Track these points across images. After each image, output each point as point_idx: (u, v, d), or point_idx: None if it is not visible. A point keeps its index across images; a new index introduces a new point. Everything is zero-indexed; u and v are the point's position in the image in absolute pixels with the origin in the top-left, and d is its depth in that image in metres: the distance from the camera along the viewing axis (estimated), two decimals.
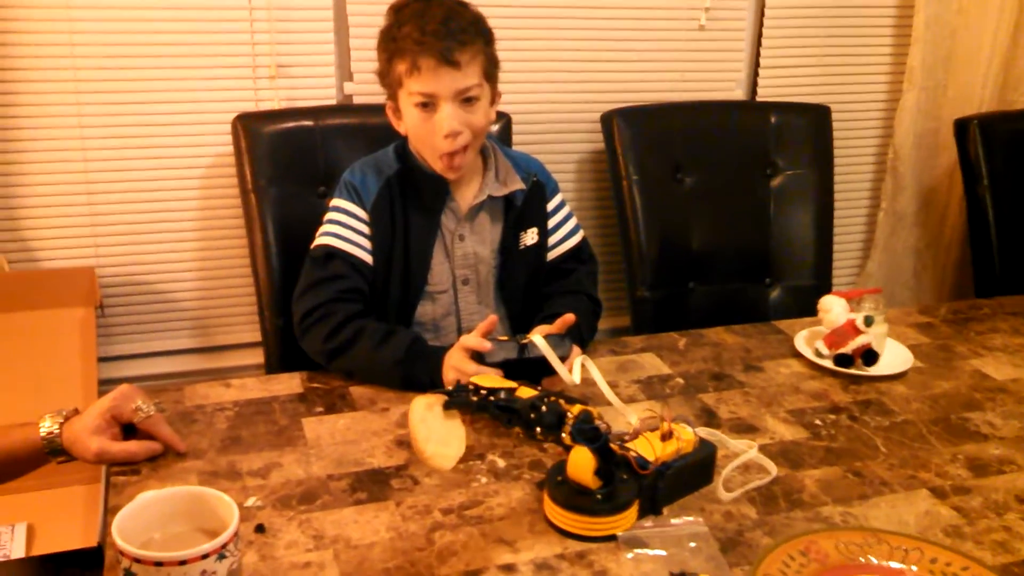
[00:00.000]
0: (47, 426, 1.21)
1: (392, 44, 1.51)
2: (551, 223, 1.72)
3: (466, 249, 1.64)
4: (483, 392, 1.18)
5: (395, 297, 1.62)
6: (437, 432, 1.13)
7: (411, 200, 1.61)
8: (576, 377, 1.27)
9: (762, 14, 2.44)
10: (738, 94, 2.51)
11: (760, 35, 2.46)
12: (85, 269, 2.05)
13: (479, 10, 1.57)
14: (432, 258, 1.63)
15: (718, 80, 2.47)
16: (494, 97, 1.60)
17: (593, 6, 2.28)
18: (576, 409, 1.14)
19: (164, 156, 2.08)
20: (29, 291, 1.99)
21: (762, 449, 1.34)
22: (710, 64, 2.44)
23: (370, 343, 1.48)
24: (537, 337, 1.32)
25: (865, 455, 1.35)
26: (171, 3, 1.99)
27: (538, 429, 1.14)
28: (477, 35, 1.51)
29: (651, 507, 1.18)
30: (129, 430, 1.26)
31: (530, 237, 1.69)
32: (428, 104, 1.50)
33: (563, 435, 1.13)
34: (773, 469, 1.29)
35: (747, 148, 2.33)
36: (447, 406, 1.16)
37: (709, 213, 2.29)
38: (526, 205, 1.67)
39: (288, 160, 1.92)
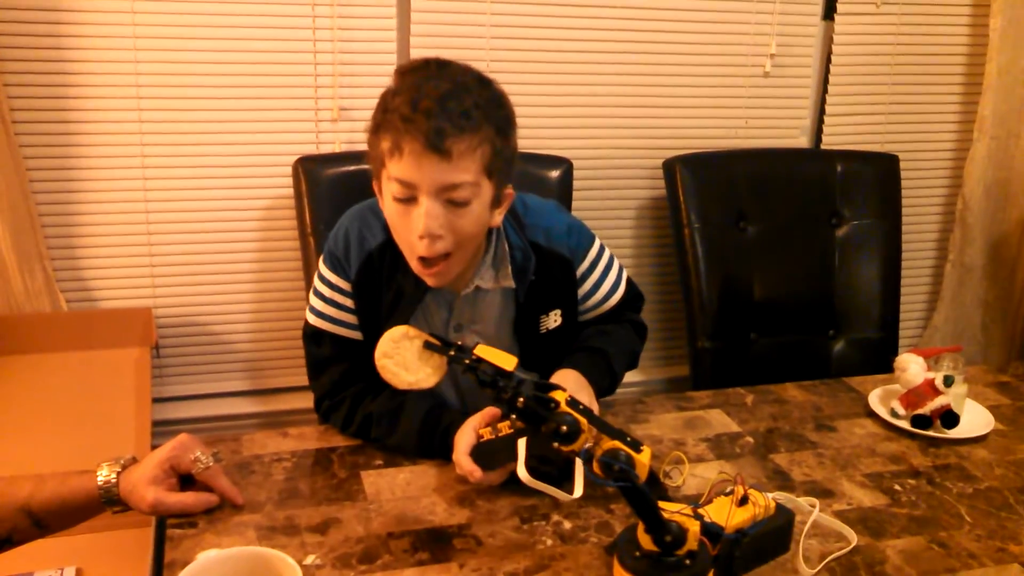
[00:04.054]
0: (104, 475, 1.18)
1: (381, 115, 1.28)
2: (582, 291, 1.53)
3: (464, 339, 1.45)
4: (472, 359, 1.12)
5: None
6: (403, 357, 1.18)
7: (396, 277, 1.41)
8: (578, 491, 1.14)
9: (828, 60, 2.40)
10: (803, 142, 2.46)
11: (826, 82, 2.41)
12: (142, 310, 2.04)
13: (501, 90, 1.32)
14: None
15: (783, 127, 2.42)
16: (500, 198, 1.35)
17: (658, 52, 2.26)
18: (606, 444, 1.06)
19: (224, 198, 2.08)
20: (86, 331, 1.99)
21: (840, 515, 1.28)
22: (774, 111, 2.40)
23: (379, 430, 1.40)
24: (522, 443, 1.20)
25: (949, 524, 1.28)
26: (235, 46, 2.00)
27: (512, 416, 1.09)
28: (484, 121, 1.25)
29: None
30: (187, 480, 1.23)
31: (552, 320, 1.50)
32: (408, 196, 1.27)
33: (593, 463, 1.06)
34: (853, 537, 1.23)
35: (812, 197, 2.29)
36: (427, 346, 1.17)
37: (772, 263, 2.24)
38: (545, 285, 1.46)
39: (348, 203, 1.89)
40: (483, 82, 1.30)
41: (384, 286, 1.41)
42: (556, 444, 1.07)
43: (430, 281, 1.36)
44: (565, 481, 1.15)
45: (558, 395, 1.09)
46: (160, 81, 1.98)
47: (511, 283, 1.43)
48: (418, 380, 1.19)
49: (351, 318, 1.44)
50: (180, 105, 2.00)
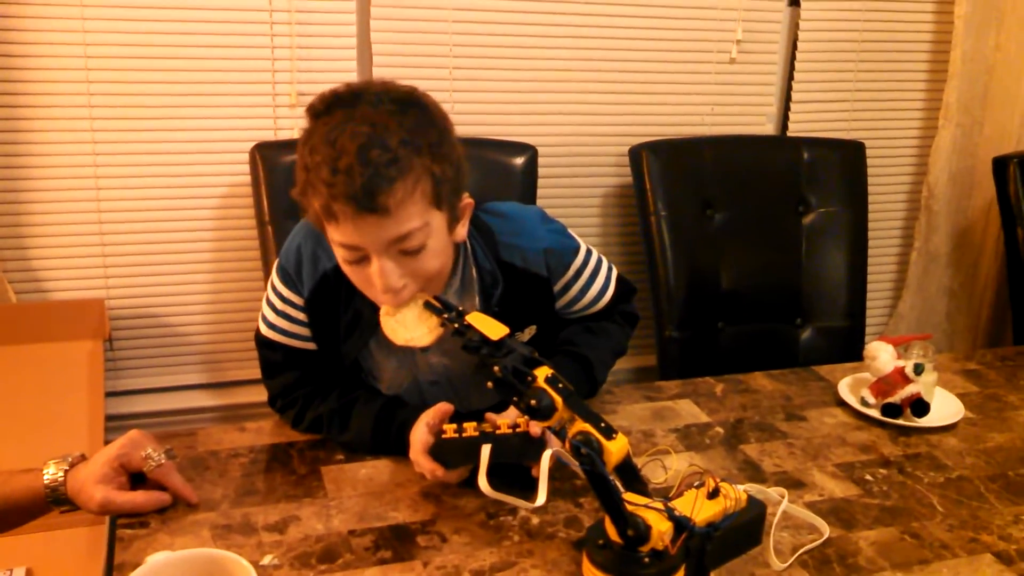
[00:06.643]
0: (51, 473, 1.13)
1: (304, 175, 1.15)
2: (565, 299, 1.45)
3: (430, 360, 1.41)
4: (463, 324, 1.14)
5: (350, 377, 1.43)
6: (404, 314, 1.23)
7: (353, 300, 1.33)
8: (540, 499, 1.09)
9: (794, 47, 2.38)
10: (769, 129, 2.44)
11: (792, 69, 2.40)
12: (94, 301, 1.98)
13: (424, 101, 1.20)
14: (381, 367, 1.42)
15: (749, 114, 2.40)
16: (458, 214, 1.26)
17: (623, 37, 2.22)
18: (579, 426, 1.03)
19: (179, 185, 2.02)
20: (36, 323, 1.93)
21: (812, 506, 1.26)
22: (741, 98, 2.38)
23: (331, 429, 1.36)
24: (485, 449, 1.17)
25: (921, 515, 1.27)
26: (189, 28, 1.93)
27: (489, 384, 1.08)
28: (415, 156, 1.13)
29: (698, 571, 1.09)
30: (138, 478, 1.18)
31: (527, 334, 1.42)
32: (358, 258, 1.19)
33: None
34: (825, 529, 1.20)
35: (779, 184, 2.27)
36: (427, 306, 1.21)
37: (739, 251, 2.22)
38: (519, 304, 1.38)
39: None
40: (403, 106, 1.16)
41: (341, 307, 1.35)
42: (527, 417, 1.08)
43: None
44: (528, 488, 1.13)
45: (540, 371, 1.07)
46: (111, 64, 1.91)
47: (474, 309, 1.33)
48: (413, 338, 1.22)
49: (304, 331, 1.37)
50: (132, 89, 1.94)
